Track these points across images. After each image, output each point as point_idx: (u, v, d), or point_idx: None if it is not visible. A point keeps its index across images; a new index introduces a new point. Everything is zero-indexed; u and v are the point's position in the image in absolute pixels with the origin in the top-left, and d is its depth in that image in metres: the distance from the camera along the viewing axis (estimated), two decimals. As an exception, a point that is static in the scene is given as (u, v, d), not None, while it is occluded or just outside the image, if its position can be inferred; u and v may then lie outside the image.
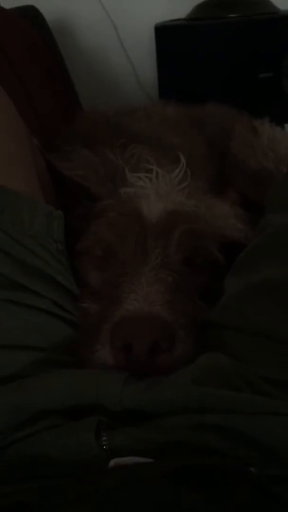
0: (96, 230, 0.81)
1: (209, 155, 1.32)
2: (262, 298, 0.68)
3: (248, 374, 0.61)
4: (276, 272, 0.69)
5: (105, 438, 0.54)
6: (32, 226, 0.73)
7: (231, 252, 0.82)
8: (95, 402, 0.58)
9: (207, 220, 0.86)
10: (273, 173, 1.23)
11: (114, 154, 0.96)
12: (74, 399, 0.58)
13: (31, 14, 1.60)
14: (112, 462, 0.51)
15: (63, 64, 1.70)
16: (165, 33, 1.78)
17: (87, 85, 1.84)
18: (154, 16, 1.84)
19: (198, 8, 1.78)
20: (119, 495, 0.44)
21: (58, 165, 0.93)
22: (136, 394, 0.57)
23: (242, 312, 0.68)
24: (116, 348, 0.63)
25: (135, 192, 0.85)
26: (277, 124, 1.43)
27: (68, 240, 0.79)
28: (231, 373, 0.61)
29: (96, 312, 0.73)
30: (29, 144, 0.82)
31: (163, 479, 0.46)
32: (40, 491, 0.47)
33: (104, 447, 0.53)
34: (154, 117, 1.33)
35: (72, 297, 0.75)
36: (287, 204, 0.78)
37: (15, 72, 1.30)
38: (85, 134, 1.14)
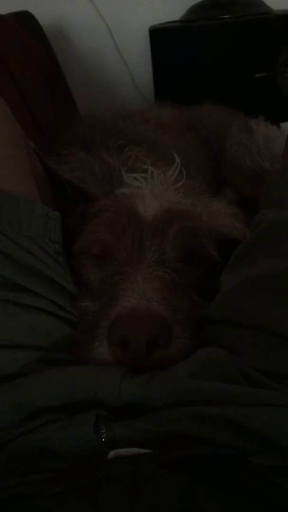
0: (92, 230, 0.82)
1: (205, 155, 1.33)
2: (258, 292, 0.68)
3: (246, 368, 0.62)
4: (271, 266, 0.70)
5: (104, 430, 0.55)
6: (29, 227, 0.74)
7: (229, 250, 0.82)
8: (94, 397, 0.59)
9: (203, 219, 0.87)
10: (268, 172, 1.24)
11: (110, 156, 0.97)
12: (74, 395, 0.59)
13: (26, 20, 1.60)
14: (111, 454, 0.51)
15: (59, 68, 1.71)
16: (159, 35, 1.78)
17: (83, 88, 1.85)
18: (148, 19, 1.85)
19: (192, 9, 1.79)
20: (118, 483, 0.45)
21: (55, 167, 0.94)
22: (134, 389, 0.58)
23: (238, 307, 0.69)
24: (114, 344, 0.64)
25: (131, 192, 0.86)
26: (272, 123, 1.44)
27: (66, 241, 0.80)
28: (228, 366, 0.62)
29: (94, 310, 0.74)
30: (25, 146, 0.83)
31: (162, 469, 0.47)
32: (40, 482, 0.48)
33: (103, 439, 0.54)
34: (150, 120, 1.34)
35: (70, 297, 0.76)
36: (281, 199, 0.79)
37: (11, 77, 1.31)
38: (83, 137, 1.15)
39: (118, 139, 1.06)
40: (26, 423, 0.58)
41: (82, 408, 0.58)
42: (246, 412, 0.55)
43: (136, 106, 1.71)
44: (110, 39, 1.94)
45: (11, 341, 0.68)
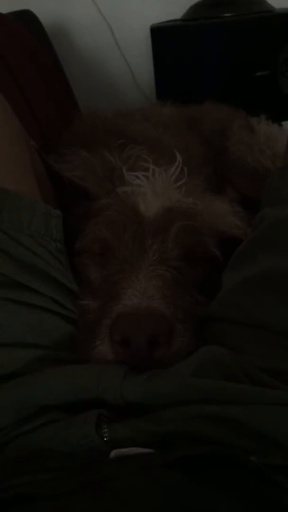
0: (94, 228, 0.82)
1: (206, 154, 1.33)
2: (259, 291, 0.68)
3: (247, 366, 0.62)
4: (272, 264, 0.69)
5: (105, 430, 0.55)
6: (30, 226, 0.74)
7: (230, 248, 0.82)
8: (96, 396, 0.58)
9: (204, 217, 0.87)
10: (270, 171, 1.24)
11: (112, 155, 0.97)
12: (75, 394, 0.59)
13: (27, 19, 1.61)
14: (113, 453, 0.51)
15: (60, 67, 1.71)
16: (160, 34, 1.79)
17: (85, 87, 1.85)
18: (150, 17, 1.86)
19: (193, 8, 1.79)
20: (120, 484, 0.45)
21: (56, 166, 0.94)
22: (136, 387, 0.58)
23: (239, 305, 0.69)
24: (115, 343, 0.64)
25: (132, 190, 0.86)
26: (274, 121, 1.44)
27: (67, 239, 0.79)
28: (229, 365, 0.61)
29: (95, 308, 0.74)
30: (26, 144, 0.83)
31: (163, 469, 0.47)
32: (40, 482, 0.48)
33: (105, 439, 0.54)
34: (152, 118, 1.34)
35: (72, 295, 0.76)
36: (283, 197, 0.78)
37: (12, 76, 1.30)
38: (84, 136, 1.15)
39: (119, 137, 1.06)
40: (27, 423, 0.58)
41: (83, 407, 0.58)
42: (248, 411, 0.54)
43: (137, 105, 1.71)
44: (111, 38, 1.94)
45: (12, 340, 0.67)
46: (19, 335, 0.68)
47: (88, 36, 1.94)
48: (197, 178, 1.00)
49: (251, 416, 0.54)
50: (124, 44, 1.95)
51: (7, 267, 0.70)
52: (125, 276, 0.72)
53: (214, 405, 0.55)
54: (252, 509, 0.44)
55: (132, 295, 0.68)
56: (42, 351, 0.68)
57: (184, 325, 0.69)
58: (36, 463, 0.54)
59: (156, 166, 0.91)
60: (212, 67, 1.73)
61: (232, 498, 0.44)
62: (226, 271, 0.78)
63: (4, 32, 1.38)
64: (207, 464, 0.48)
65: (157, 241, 0.77)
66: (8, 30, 1.40)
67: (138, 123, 1.27)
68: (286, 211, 0.75)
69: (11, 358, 0.66)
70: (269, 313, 0.65)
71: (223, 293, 0.74)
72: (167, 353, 0.65)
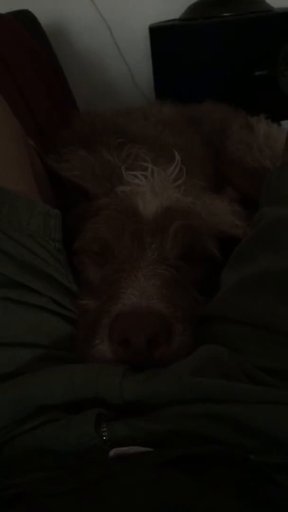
0: (93, 228, 0.82)
1: (206, 153, 1.33)
2: (258, 290, 0.68)
3: (246, 365, 0.62)
4: (271, 263, 0.70)
5: (105, 429, 0.55)
6: (29, 226, 0.74)
7: (229, 247, 0.82)
8: (96, 395, 0.58)
9: (204, 216, 0.87)
10: (269, 170, 1.24)
11: (110, 154, 0.97)
12: (75, 393, 0.59)
13: (26, 19, 1.61)
14: (112, 452, 0.51)
15: (59, 67, 1.71)
16: (159, 33, 1.79)
17: (84, 87, 1.85)
18: (148, 17, 1.85)
19: (192, 8, 1.79)
20: (119, 483, 0.45)
21: (55, 166, 0.94)
22: (135, 386, 0.58)
23: (239, 304, 0.69)
24: (115, 342, 0.64)
25: (131, 190, 0.86)
26: (273, 121, 1.44)
27: (66, 239, 0.79)
28: (229, 364, 0.61)
29: (94, 308, 0.74)
30: (25, 144, 0.83)
31: (163, 468, 0.47)
32: (40, 482, 0.48)
33: (104, 438, 0.54)
34: (151, 118, 1.34)
35: (71, 295, 0.76)
36: (281, 196, 0.78)
37: (11, 76, 1.31)
38: (82, 135, 1.15)
39: (118, 136, 1.06)
40: (27, 422, 0.58)
41: (83, 406, 0.58)
42: (248, 410, 0.54)
43: (136, 105, 1.71)
44: (110, 38, 1.94)
45: (12, 339, 0.68)
46: (19, 335, 0.68)
47: (87, 36, 1.94)
48: (196, 177, 1.00)
49: (251, 415, 0.54)
50: (123, 44, 1.95)
51: (7, 267, 0.70)
52: (124, 275, 0.72)
53: (213, 404, 0.55)
54: (252, 509, 0.44)
55: (131, 294, 0.68)
56: (42, 351, 0.68)
57: (183, 324, 0.69)
58: (36, 462, 0.54)
59: (155, 165, 0.91)
60: (211, 67, 1.73)
61: (232, 497, 0.44)
62: (225, 270, 0.78)
63: (3, 32, 1.38)
64: (207, 463, 0.48)
65: (156, 240, 0.77)
66: (7, 30, 1.40)
67: (137, 123, 1.27)
68: (285, 210, 0.75)
69: (11, 358, 0.66)
70: (268, 312, 0.65)
71: (222, 293, 0.74)
72: (166, 352, 0.64)
